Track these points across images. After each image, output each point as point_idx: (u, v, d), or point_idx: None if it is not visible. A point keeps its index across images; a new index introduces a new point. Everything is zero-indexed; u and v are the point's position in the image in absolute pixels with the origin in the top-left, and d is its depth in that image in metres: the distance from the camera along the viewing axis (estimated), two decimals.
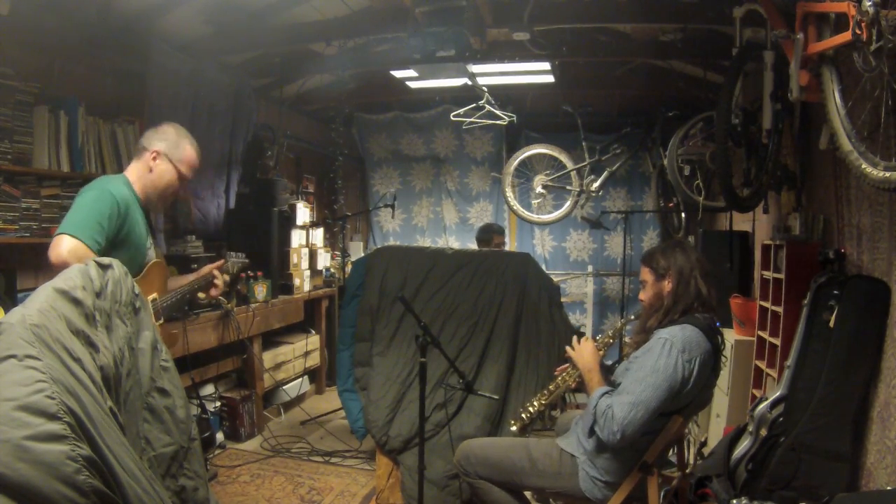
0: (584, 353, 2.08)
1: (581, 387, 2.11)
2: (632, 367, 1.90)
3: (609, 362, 2.42)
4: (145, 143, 2.10)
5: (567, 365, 2.21)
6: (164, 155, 2.09)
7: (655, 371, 1.81)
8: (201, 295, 2.42)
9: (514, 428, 2.20)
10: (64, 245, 1.77)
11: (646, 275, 2.07)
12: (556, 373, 2.28)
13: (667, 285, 1.99)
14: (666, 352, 1.82)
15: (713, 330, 1.93)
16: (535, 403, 2.22)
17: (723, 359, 2.02)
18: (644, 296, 2.07)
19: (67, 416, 1.10)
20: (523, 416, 2.21)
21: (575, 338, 2.16)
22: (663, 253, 2.03)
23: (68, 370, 1.18)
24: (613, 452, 1.94)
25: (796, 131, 2.98)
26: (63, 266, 1.72)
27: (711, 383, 2.00)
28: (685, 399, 1.87)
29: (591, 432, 1.96)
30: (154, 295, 2.11)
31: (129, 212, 1.97)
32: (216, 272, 2.39)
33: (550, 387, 2.23)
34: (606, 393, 1.91)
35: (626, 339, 4.19)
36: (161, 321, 2.11)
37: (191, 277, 2.39)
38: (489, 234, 4.50)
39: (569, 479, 2.00)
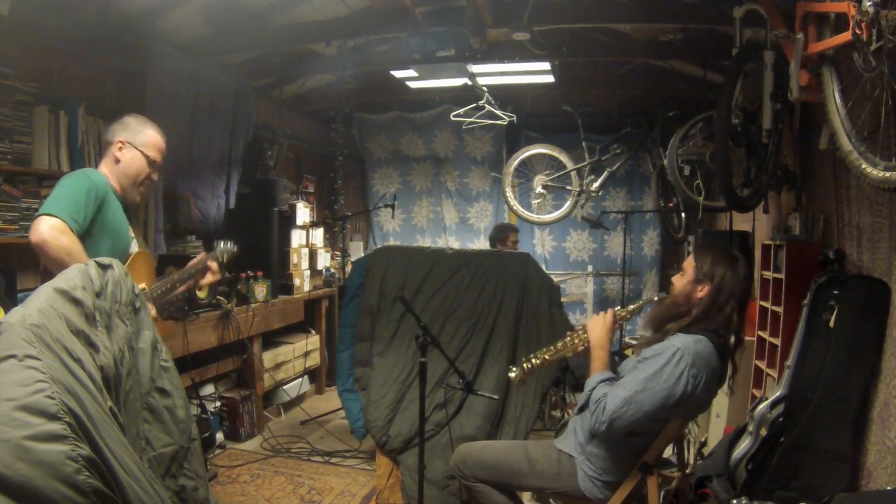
0: (597, 326, 2.00)
1: (580, 383, 2.08)
2: (639, 365, 1.88)
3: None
4: (109, 137, 2.13)
5: (580, 328, 2.12)
6: (127, 143, 2.10)
7: (658, 377, 1.78)
8: (201, 295, 2.41)
9: (512, 375, 2.11)
10: (42, 224, 1.77)
11: (688, 265, 1.98)
12: (567, 334, 2.18)
13: (698, 292, 1.91)
14: (675, 361, 1.78)
15: (727, 349, 1.89)
16: (539, 357, 2.11)
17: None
18: (677, 282, 1.99)
19: (67, 416, 1.10)
20: (525, 365, 2.11)
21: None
22: (714, 260, 1.92)
23: (68, 370, 1.18)
24: (609, 451, 1.93)
25: (796, 131, 2.99)
26: (42, 245, 1.75)
27: (714, 394, 1.98)
28: (681, 411, 1.84)
29: (582, 410, 1.94)
30: (143, 285, 2.12)
31: (106, 197, 1.99)
32: (210, 263, 2.37)
33: (558, 344, 2.12)
34: (606, 381, 1.89)
35: (627, 338, 4.20)
36: (154, 313, 2.10)
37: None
38: (505, 233, 4.49)
39: (568, 480, 2.00)
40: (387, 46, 4.09)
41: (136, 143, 2.11)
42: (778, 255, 2.91)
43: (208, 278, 2.38)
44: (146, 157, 2.13)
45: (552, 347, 2.12)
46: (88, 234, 1.91)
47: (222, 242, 2.50)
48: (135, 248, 2.16)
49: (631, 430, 1.82)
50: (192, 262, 2.39)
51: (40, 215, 1.81)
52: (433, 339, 2.28)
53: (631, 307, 2.14)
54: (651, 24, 3.61)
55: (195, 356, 3.29)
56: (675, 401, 1.78)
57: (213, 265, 2.38)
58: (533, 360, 2.10)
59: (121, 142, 2.10)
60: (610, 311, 2.05)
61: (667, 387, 1.77)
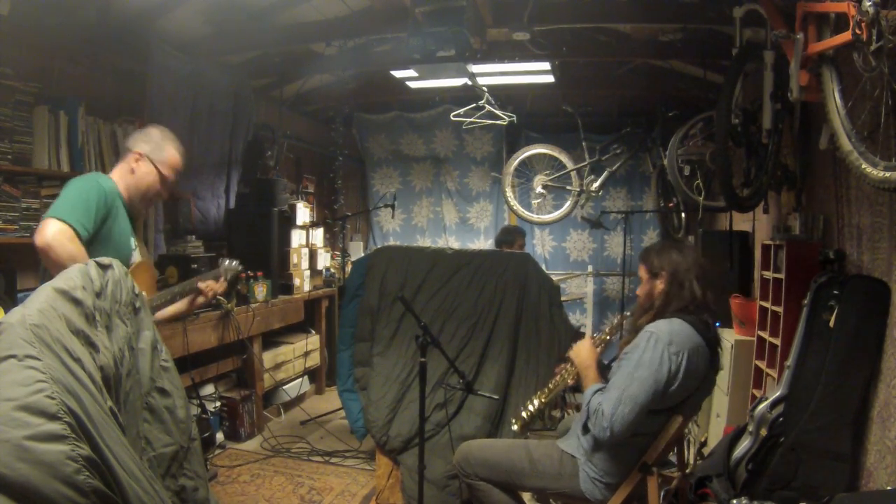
0: (580, 350, 2.11)
1: (580, 385, 2.12)
2: (622, 363, 1.91)
3: (605, 361, 2.42)
4: (129, 145, 2.11)
5: (567, 363, 2.22)
6: (146, 157, 2.08)
7: (640, 365, 1.81)
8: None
9: (515, 427, 2.20)
10: (49, 228, 1.73)
11: (642, 272, 2.08)
12: (555, 371, 2.30)
13: (659, 285, 1.99)
14: (651, 345, 1.82)
15: (706, 325, 1.92)
16: (536, 401, 2.23)
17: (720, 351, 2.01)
18: (639, 290, 2.09)
19: (67, 416, 1.10)
20: (524, 414, 2.22)
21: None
22: (658, 252, 2.03)
23: (68, 370, 1.18)
24: (612, 453, 1.94)
25: (796, 131, 2.98)
26: (47, 250, 1.71)
27: (711, 379, 1.99)
28: (677, 395, 1.85)
29: (586, 429, 1.97)
30: (143, 293, 2.11)
31: (115, 205, 1.97)
32: (201, 285, 2.35)
33: (550, 385, 2.24)
34: (600, 390, 1.91)
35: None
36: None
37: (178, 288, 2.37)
38: (513, 236, 4.49)
39: (569, 480, 2.00)
40: (387, 46, 4.09)
41: (155, 159, 2.10)
42: (778, 255, 2.91)
43: (199, 300, 2.35)
44: (161, 174, 2.11)
45: (546, 389, 2.24)
46: (92, 242, 1.87)
47: (227, 261, 2.49)
48: (136, 257, 2.14)
49: (633, 429, 1.82)
50: (191, 280, 2.36)
51: (48, 218, 1.76)
52: (433, 339, 2.28)
53: (607, 328, 2.28)
54: (651, 24, 3.61)
55: (195, 356, 3.29)
56: (665, 383, 1.80)
57: (208, 290, 2.31)
58: (530, 408, 2.21)
59: (139, 154, 2.08)
60: (588, 337, 2.17)
61: (651, 372, 1.80)
